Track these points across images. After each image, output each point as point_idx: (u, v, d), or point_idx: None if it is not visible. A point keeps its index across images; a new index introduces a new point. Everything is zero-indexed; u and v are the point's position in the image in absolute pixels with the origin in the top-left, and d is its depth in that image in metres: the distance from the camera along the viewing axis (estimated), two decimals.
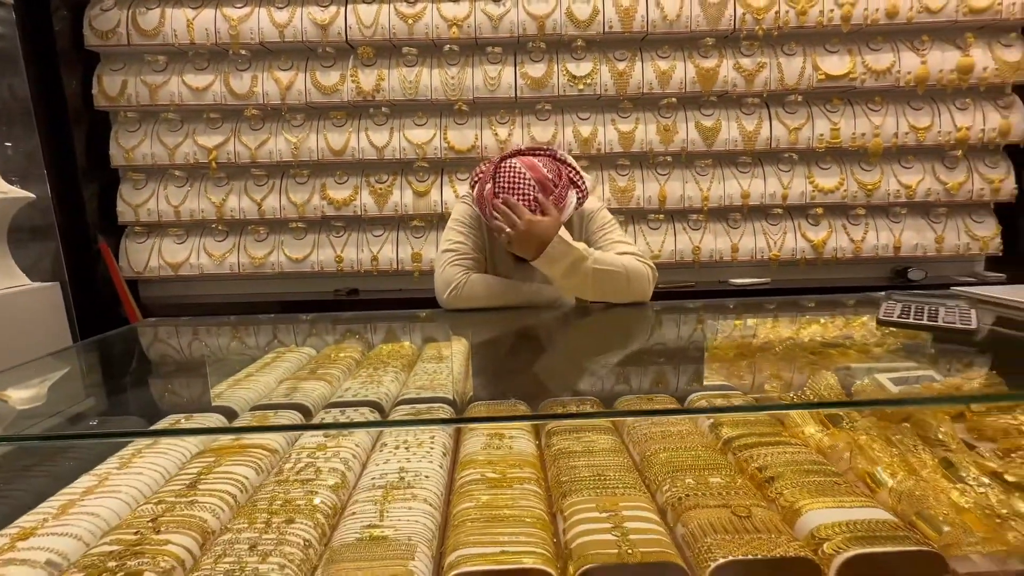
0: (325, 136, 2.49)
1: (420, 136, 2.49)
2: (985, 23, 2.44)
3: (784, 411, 1.12)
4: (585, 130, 2.50)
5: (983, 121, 2.53)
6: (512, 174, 1.33)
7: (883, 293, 1.31)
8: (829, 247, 2.62)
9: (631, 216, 2.62)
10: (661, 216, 2.61)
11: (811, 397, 1.09)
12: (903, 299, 1.12)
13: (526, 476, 0.89)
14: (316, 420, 1.11)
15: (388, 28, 2.38)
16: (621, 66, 2.45)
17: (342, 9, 2.40)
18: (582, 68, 2.45)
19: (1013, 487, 0.77)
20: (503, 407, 1.14)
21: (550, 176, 1.35)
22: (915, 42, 2.49)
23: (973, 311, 1.01)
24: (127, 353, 1.46)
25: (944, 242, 2.63)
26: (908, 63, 2.47)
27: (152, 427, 1.01)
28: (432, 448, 1.03)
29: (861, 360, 1.21)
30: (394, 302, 2.49)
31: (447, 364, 1.35)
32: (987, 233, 2.64)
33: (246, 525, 0.75)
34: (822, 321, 1.58)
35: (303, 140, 2.49)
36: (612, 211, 2.56)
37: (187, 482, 0.88)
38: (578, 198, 1.39)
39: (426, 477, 0.91)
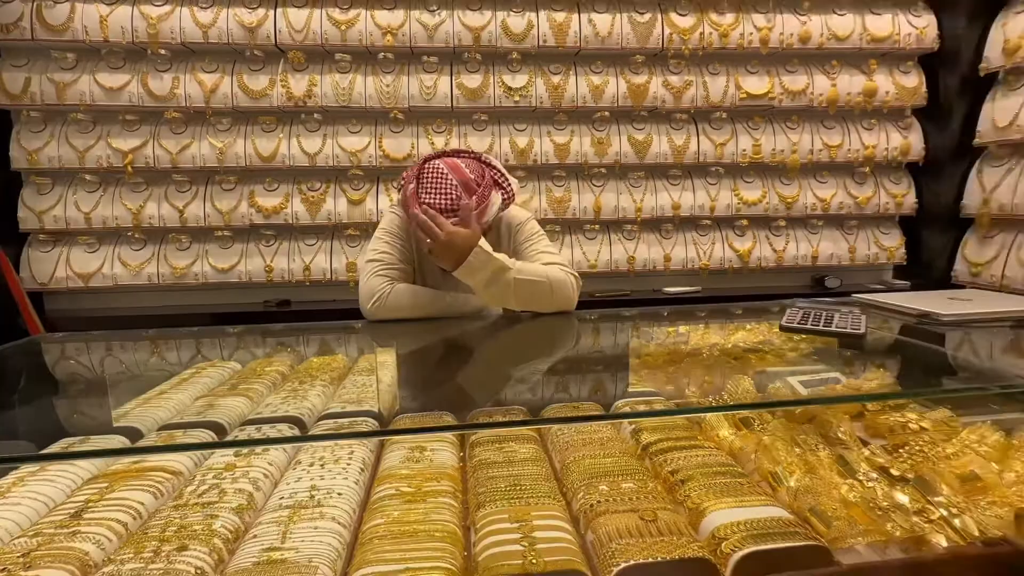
0: (253, 141, 2.40)
1: (354, 143, 2.45)
2: (886, 51, 2.66)
3: (700, 415, 1.16)
4: (521, 141, 2.53)
5: (887, 140, 2.74)
6: (435, 175, 1.34)
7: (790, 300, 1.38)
8: (754, 257, 2.76)
9: (567, 226, 2.67)
10: (597, 226, 2.67)
11: (727, 401, 1.13)
12: (805, 306, 1.19)
13: (442, 489, 0.88)
14: (229, 439, 1.06)
15: (320, 33, 2.33)
16: (556, 79, 2.50)
17: (271, 12, 2.33)
18: (518, 80, 2.48)
19: (897, 480, 0.82)
20: (427, 419, 1.12)
21: (473, 176, 1.37)
22: (826, 66, 2.67)
23: (863, 317, 1.08)
24: (18, 370, 1.34)
25: (856, 252, 2.82)
26: (820, 85, 2.65)
27: (40, 452, 0.93)
28: (349, 464, 1.00)
29: (776, 364, 1.26)
30: (328, 313, 2.41)
31: (376, 376, 1.32)
32: (893, 244, 2.85)
33: (131, 555, 0.70)
34: (748, 327, 1.65)
35: (229, 145, 2.39)
36: (548, 221, 2.61)
37: (72, 511, 0.82)
38: (504, 199, 1.41)
39: (338, 495, 0.88)
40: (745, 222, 2.74)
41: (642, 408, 1.13)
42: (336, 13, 2.35)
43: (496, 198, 1.37)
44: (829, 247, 2.80)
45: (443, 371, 1.30)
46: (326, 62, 2.42)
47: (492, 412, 1.13)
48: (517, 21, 2.42)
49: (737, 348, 1.42)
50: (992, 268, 2.48)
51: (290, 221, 2.46)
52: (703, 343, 1.51)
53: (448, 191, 1.32)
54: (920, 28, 2.64)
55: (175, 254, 2.45)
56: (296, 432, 1.05)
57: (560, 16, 2.44)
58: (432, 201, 1.32)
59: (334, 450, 1.05)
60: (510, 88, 2.47)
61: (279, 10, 2.34)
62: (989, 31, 2.52)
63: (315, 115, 2.43)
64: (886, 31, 2.61)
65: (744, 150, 2.66)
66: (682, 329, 1.66)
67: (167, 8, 2.29)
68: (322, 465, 0.99)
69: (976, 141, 2.56)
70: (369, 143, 2.45)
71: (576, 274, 1.41)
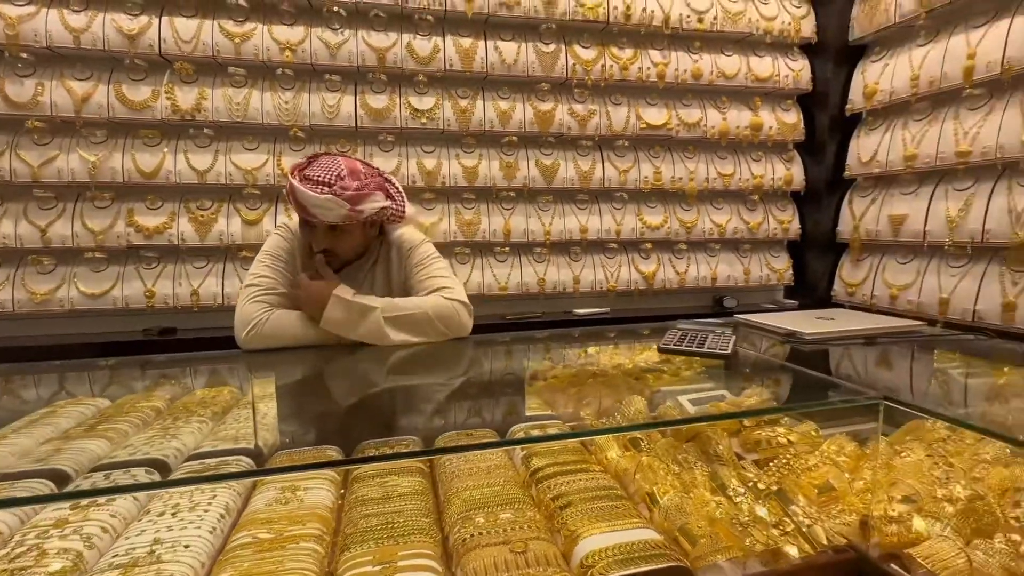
0: (133, 156, 2.20)
1: (250, 161, 2.31)
2: (768, 90, 2.90)
3: (588, 437, 1.15)
4: (429, 163, 2.51)
5: (773, 171, 2.97)
6: (327, 159, 1.33)
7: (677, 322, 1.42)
8: (658, 278, 2.87)
9: (478, 249, 2.65)
10: (507, 249, 2.67)
11: (620, 422, 1.14)
12: (684, 328, 1.23)
13: (307, 533, 0.81)
14: (69, 489, 0.92)
15: (211, 45, 2.20)
16: (463, 103, 2.51)
17: (155, 20, 2.17)
18: (425, 102, 2.47)
19: (762, 494, 0.84)
20: (305, 455, 1.04)
21: (363, 170, 1.35)
22: (717, 101, 2.87)
23: (733, 338, 1.13)
24: None
25: (750, 274, 3.01)
26: (712, 119, 2.84)
27: None
28: (207, 510, 0.90)
29: (671, 384, 1.29)
30: (218, 341, 2.22)
31: (260, 409, 1.22)
32: (782, 266, 3.07)
33: None
34: (653, 347, 1.69)
35: (104, 159, 2.18)
36: (458, 244, 2.58)
37: None
38: (393, 208, 1.39)
39: (185, 547, 0.78)
40: (649, 245, 2.85)
41: (536, 433, 1.11)
42: (230, 25, 2.23)
43: (379, 197, 1.35)
44: (726, 269, 2.97)
45: (331, 402, 1.22)
46: (218, 75, 2.28)
47: (381, 444, 1.07)
48: (423, 44, 2.42)
49: (637, 369, 1.45)
50: (864, 288, 2.74)
51: (176, 242, 2.26)
52: (607, 364, 1.52)
53: (332, 170, 1.30)
54: (796, 71, 2.90)
55: (35, 278, 2.18)
56: (156, 477, 0.94)
57: (466, 42, 2.47)
58: (312, 174, 1.29)
59: (192, 495, 0.95)
60: (417, 110, 2.45)
61: (164, 18, 2.18)
62: (853, 76, 2.82)
63: (205, 130, 2.27)
64: (767, 72, 2.86)
65: (646, 177, 2.78)
66: (589, 350, 1.68)
67: (30, 8, 2.07)
68: (174, 514, 0.89)
69: (846, 174, 2.84)
70: (267, 161, 2.33)
71: (462, 299, 1.39)
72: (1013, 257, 2.08)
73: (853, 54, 2.83)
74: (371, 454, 1.03)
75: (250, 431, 1.13)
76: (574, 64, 2.59)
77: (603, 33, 2.67)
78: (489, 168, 2.57)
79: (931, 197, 2.40)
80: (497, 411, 1.23)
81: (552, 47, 2.57)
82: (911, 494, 0.67)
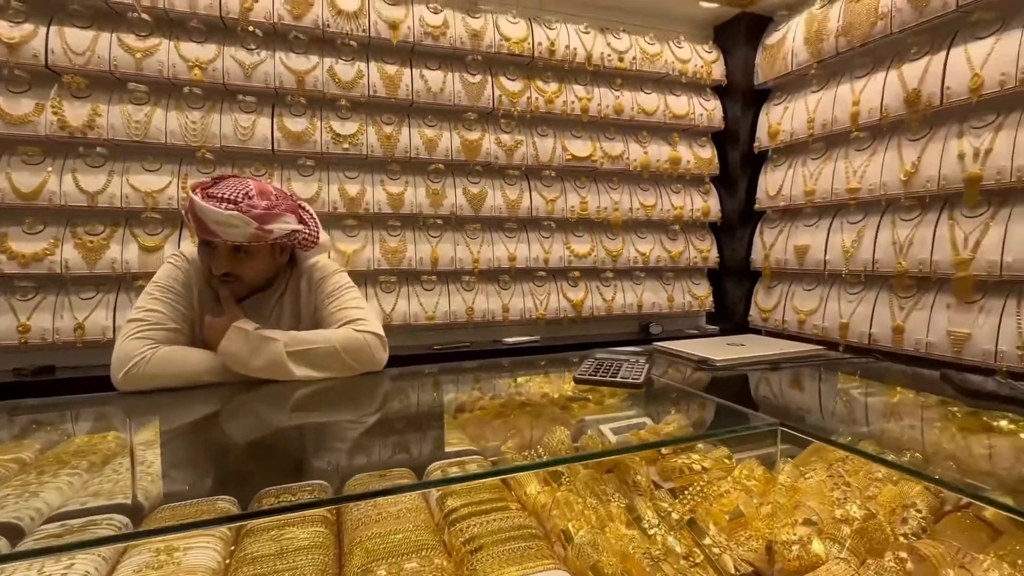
0: (8, 175, 1.97)
1: (150, 183, 2.14)
2: (685, 127, 3.06)
3: (508, 475, 1.10)
4: (352, 189, 2.43)
5: (691, 203, 3.11)
6: (233, 179, 1.25)
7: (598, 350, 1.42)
8: (587, 306, 2.90)
9: (404, 277, 2.58)
10: (434, 277, 2.62)
11: (542, 455, 1.09)
12: (600, 358, 1.22)
13: None
14: None
15: (108, 59, 2.04)
16: (388, 129, 2.46)
17: (42, 29, 1.99)
18: (347, 127, 2.40)
19: (676, 524, 0.82)
20: (194, 508, 0.93)
21: (274, 192, 1.27)
22: (638, 136, 2.99)
23: (646, 367, 1.14)
24: None
25: (674, 301, 3.10)
26: (634, 152, 2.95)
27: None
28: None
29: (596, 412, 1.27)
30: (105, 381, 2.00)
31: (143, 457, 1.08)
32: (703, 293, 3.20)
33: None
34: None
35: None
36: (383, 272, 2.50)
37: None
38: (305, 233, 1.32)
39: None
40: (577, 273, 2.89)
41: (455, 471, 1.05)
42: (131, 40, 2.08)
43: (291, 220, 1.27)
44: (651, 297, 3.05)
45: (227, 445, 1.11)
46: (116, 91, 2.11)
47: (280, 492, 0.97)
48: (346, 69, 2.36)
49: (563, 398, 1.42)
50: (776, 314, 2.89)
51: (58, 270, 2.03)
52: (534, 393, 1.49)
53: (239, 189, 1.21)
54: (709, 110, 3.09)
55: None
56: (2, 545, 0.80)
57: (391, 69, 2.44)
58: (216, 193, 1.20)
59: (44, 565, 0.81)
60: (339, 135, 2.37)
61: (53, 28, 2.00)
62: (759, 117, 3.04)
63: (98, 148, 2.08)
64: (684, 110, 3.02)
65: (572, 206, 2.83)
66: (515, 380, 1.63)
67: None
68: None
69: (756, 206, 3.03)
70: (170, 183, 2.16)
71: (376, 331, 1.31)
72: (898, 283, 2.27)
73: (758, 97, 3.06)
74: (268, 504, 0.93)
75: (128, 484, 1.00)
76: (500, 95, 2.62)
77: (528, 67, 2.73)
78: (415, 195, 2.53)
79: (829, 229, 2.59)
80: (414, 448, 1.16)
81: (479, 78, 2.59)
82: (811, 516, 0.67)
